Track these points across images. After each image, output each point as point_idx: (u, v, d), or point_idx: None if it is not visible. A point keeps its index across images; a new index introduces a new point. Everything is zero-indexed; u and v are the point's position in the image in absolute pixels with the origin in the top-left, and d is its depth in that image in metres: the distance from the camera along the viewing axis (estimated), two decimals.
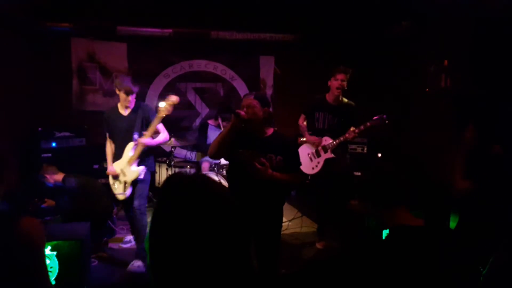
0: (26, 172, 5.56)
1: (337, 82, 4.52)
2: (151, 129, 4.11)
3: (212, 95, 7.59)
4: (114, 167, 4.30)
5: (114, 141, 4.39)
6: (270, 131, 3.18)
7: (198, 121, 7.45)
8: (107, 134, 4.44)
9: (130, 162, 4.18)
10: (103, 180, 5.98)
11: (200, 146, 6.69)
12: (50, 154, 5.80)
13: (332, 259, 4.25)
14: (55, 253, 3.25)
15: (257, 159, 2.97)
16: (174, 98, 3.95)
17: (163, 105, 3.94)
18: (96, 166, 6.32)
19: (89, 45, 6.79)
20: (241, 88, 7.67)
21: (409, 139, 6.17)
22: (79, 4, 6.21)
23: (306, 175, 4.75)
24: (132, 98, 4.18)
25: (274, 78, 7.75)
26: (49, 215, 5.16)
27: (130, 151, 4.20)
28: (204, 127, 6.64)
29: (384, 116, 4.44)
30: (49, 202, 5.03)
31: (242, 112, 2.95)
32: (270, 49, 7.55)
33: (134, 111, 4.25)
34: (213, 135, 6.39)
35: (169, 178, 1.06)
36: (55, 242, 3.27)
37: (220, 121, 6.48)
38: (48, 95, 6.50)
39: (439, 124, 5.44)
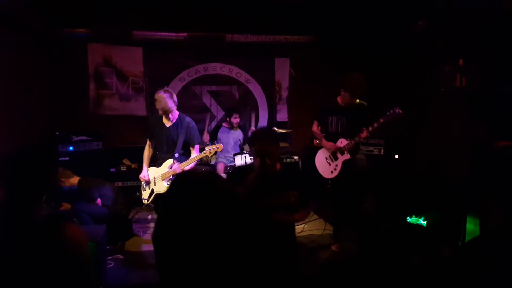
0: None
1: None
2: (191, 161, 4.24)
3: (227, 98, 7.61)
4: (148, 172, 4.46)
5: (154, 146, 4.55)
6: (278, 166, 3.12)
7: (213, 124, 7.47)
8: (148, 139, 4.61)
9: (163, 177, 4.30)
10: (119, 183, 6.08)
11: None
12: (67, 158, 5.89)
13: (347, 261, 4.20)
14: None
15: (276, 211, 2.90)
16: (220, 147, 4.23)
17: (209, 150, 4.16)
18: (113, 170, 6.40)
19: (106, 50, 6.89)
20: (256, 90, 7.68)
21: (425, 139, 6.06)
22: (95, 10, 6.31)
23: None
24: (171, 115, 4.33)
25: (289, 80, 7.72)
26: (65, 218, 5.22)
27: (167, 167, 4.31)
28: (216, 129, 6.63)
29: (397, 109, 4.19)
30: (66, 206, 5.09)
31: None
32: (285, 51, 7.53)
33: (176, 124, 4.38)
34: (224, 137, 6.39)
35: (178, 175, 1.09)
36: None
37: (230, 119, 6.46)
38: (65, 99, 6.64)
39: (455, 124, 5.34)
